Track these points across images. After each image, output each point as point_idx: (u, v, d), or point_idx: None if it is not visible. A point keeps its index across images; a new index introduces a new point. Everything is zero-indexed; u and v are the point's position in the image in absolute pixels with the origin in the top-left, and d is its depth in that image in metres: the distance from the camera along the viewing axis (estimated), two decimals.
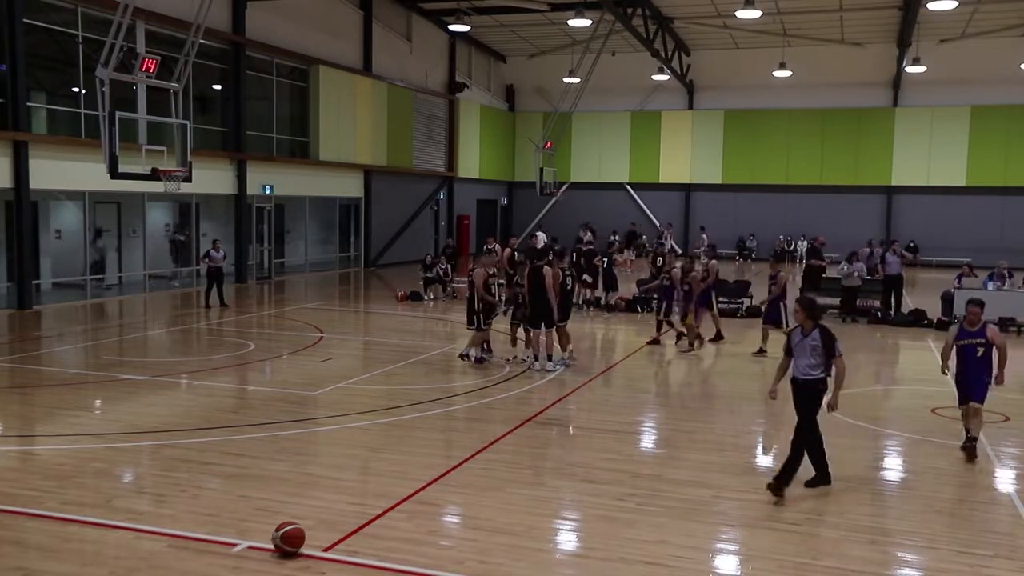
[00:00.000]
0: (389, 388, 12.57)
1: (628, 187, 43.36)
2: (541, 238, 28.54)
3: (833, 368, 8.27)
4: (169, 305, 21.95)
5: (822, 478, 8.25)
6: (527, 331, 14.05)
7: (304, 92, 29.65)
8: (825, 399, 8.23)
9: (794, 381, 8.31)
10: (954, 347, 9.69)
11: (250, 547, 6.60)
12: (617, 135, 43.08)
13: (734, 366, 15.85)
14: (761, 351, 15.71)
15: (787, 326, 15.07)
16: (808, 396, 8.20)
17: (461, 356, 14.28)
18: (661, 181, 42.77)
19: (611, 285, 22.15)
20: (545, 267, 13.71)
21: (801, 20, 33.79)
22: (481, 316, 14.06)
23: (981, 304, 9.68)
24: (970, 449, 9.39)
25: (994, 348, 9.45)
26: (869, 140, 39.50)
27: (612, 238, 38.28)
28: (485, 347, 14.56)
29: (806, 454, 8.14)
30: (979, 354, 9.47)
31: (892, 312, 20.60)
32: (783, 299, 15.71)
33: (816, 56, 37.75)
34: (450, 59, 38.72)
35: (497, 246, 22.09)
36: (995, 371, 9.52)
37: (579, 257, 21.78)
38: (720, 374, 15.02)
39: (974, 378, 9.51)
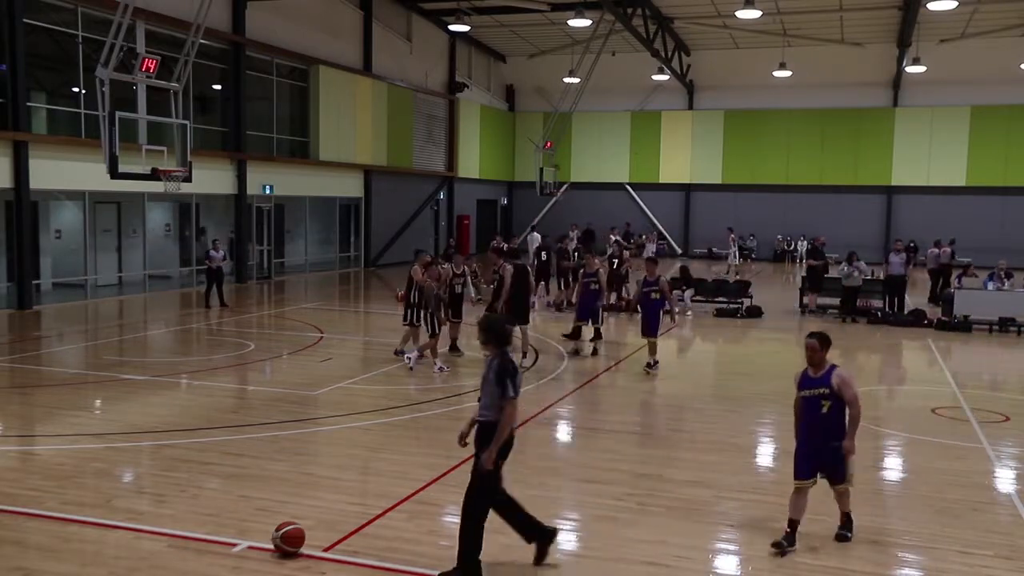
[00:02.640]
0: (389, 388, 12.57)
1: (628, 187, 43.38)
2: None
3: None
4: (169, 305, 21.95)
5: (541, 542, 6.39)
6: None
7: (304, 92, 29.66)
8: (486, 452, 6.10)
9: (472, 422, 6.37)
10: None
11: (250, 547, 6.60)
12: (617, 135, 43.10)
13: (734, 367, 15.86)
14: (653, 363, 14.04)
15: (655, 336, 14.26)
16: (485, 445, 6.15)
17: (396, 352, 14.48)
18: (661, 181, 42.79)
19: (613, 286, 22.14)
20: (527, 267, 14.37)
21: (801, 20, 33.79)
22: (417, 311, 13.92)
23: (821, 337, 6.91)
24: (842, 536, 6.97)
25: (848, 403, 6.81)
26: (869, 140, 39.51)
27: (613, 239, 38.25)
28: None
29: (503, 518, 6.39)
30: (824, 410, 6.82)
31: (892, 312, 20.60)
32: (664, 307, 14.16)
33: (816, 56, 37.75)
34: (450, 59, 38.73)
35: (503, 243, 22.20)
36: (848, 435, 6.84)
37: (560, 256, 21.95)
38: (720, 374, 15.02)
39: (822, 444, 6.85)
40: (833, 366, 6.90)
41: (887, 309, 20.77)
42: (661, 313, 14.13)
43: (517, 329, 14.80)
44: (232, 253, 26.70)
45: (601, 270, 15.92)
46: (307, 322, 18.88)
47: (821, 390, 6.81)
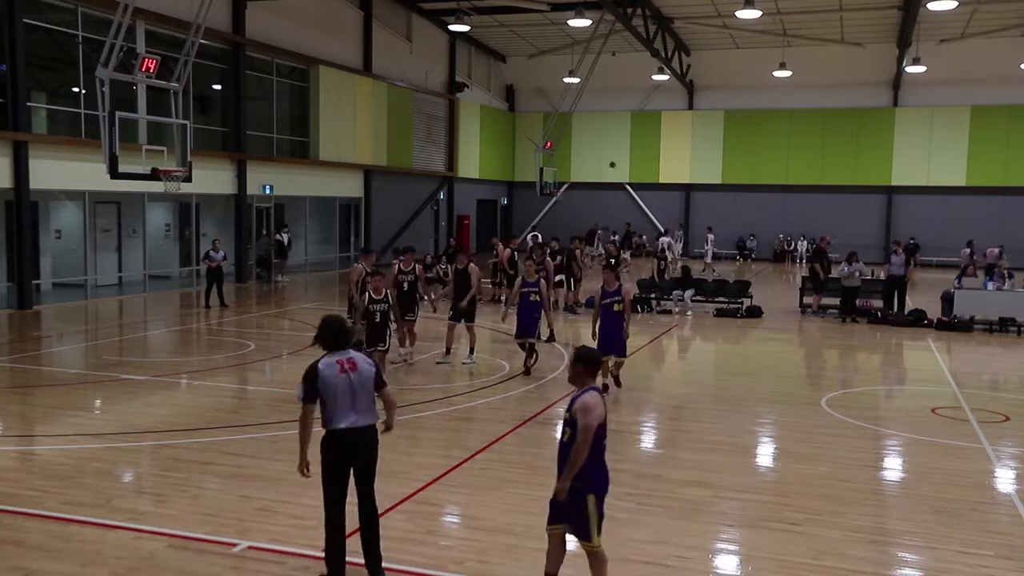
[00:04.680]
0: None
1: (628, 187, 43.38)
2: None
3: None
4: (169, 305, 21.95)
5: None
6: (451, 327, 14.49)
7: (304, 92, 29.66)
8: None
9: None
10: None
11: (250, 547, 6.60)
12: (617, 135, 43.10)
13: (734, 367, 15.86)
14: (610, 385, 12.23)
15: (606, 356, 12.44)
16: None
17: None
18: (661, 181, 42.81)
19: None
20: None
21: (801, 20, 33.79)
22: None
23: (577, 354, 5.70)
24: None
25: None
26: (869, 140, 39.52)
27: (612, 238, 38.29)
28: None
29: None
30: (566, 439, 5.57)
31: (892, 312, 20.60)
32: (625, 321, 12.13)
33: (816, 56, 37.75)
34: (450, 59, 38.73)
35: (500, 245, 22.17)
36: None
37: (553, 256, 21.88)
38: (720, 374, 15.02)
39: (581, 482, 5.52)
40: (587, 389, 5.54)
41: (887, 309, 20.78)
42: (624, 327, 12.08)
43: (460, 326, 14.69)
44: (281, 251, 27.55)
45: (543, 280, 14.15)
46: (307, 322, 18.87)
47: (566, 415, 5.58)
